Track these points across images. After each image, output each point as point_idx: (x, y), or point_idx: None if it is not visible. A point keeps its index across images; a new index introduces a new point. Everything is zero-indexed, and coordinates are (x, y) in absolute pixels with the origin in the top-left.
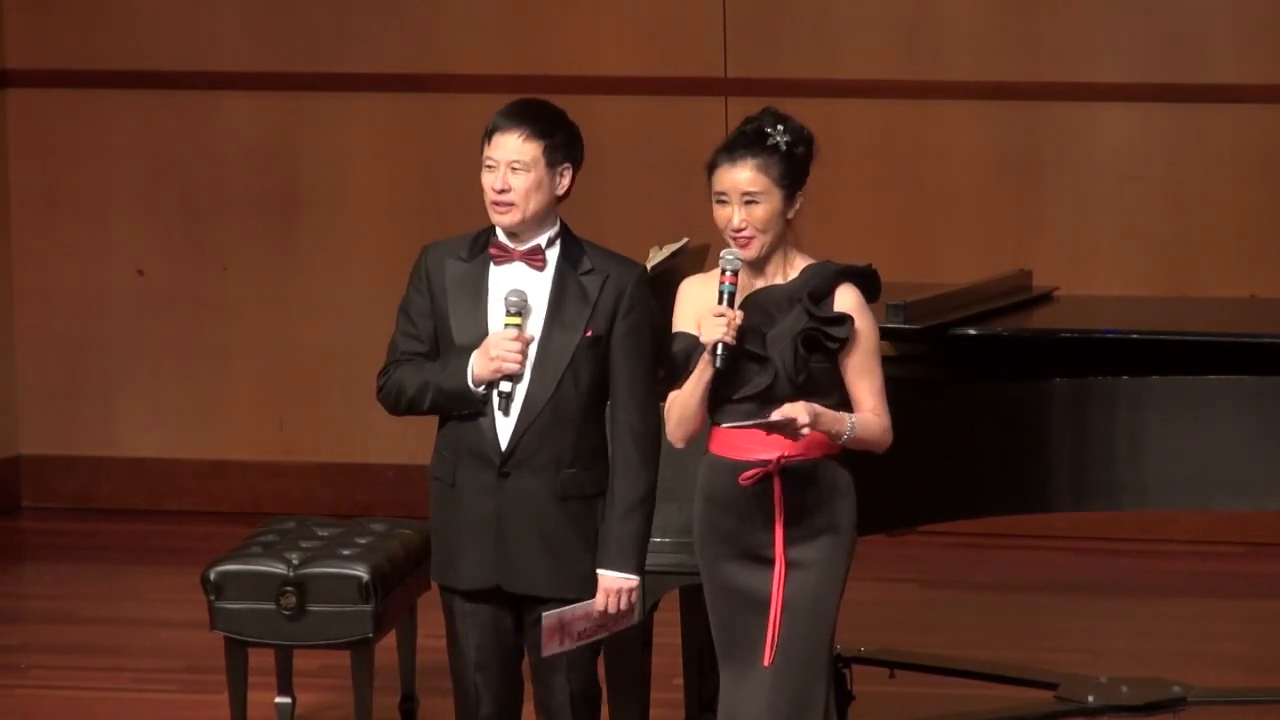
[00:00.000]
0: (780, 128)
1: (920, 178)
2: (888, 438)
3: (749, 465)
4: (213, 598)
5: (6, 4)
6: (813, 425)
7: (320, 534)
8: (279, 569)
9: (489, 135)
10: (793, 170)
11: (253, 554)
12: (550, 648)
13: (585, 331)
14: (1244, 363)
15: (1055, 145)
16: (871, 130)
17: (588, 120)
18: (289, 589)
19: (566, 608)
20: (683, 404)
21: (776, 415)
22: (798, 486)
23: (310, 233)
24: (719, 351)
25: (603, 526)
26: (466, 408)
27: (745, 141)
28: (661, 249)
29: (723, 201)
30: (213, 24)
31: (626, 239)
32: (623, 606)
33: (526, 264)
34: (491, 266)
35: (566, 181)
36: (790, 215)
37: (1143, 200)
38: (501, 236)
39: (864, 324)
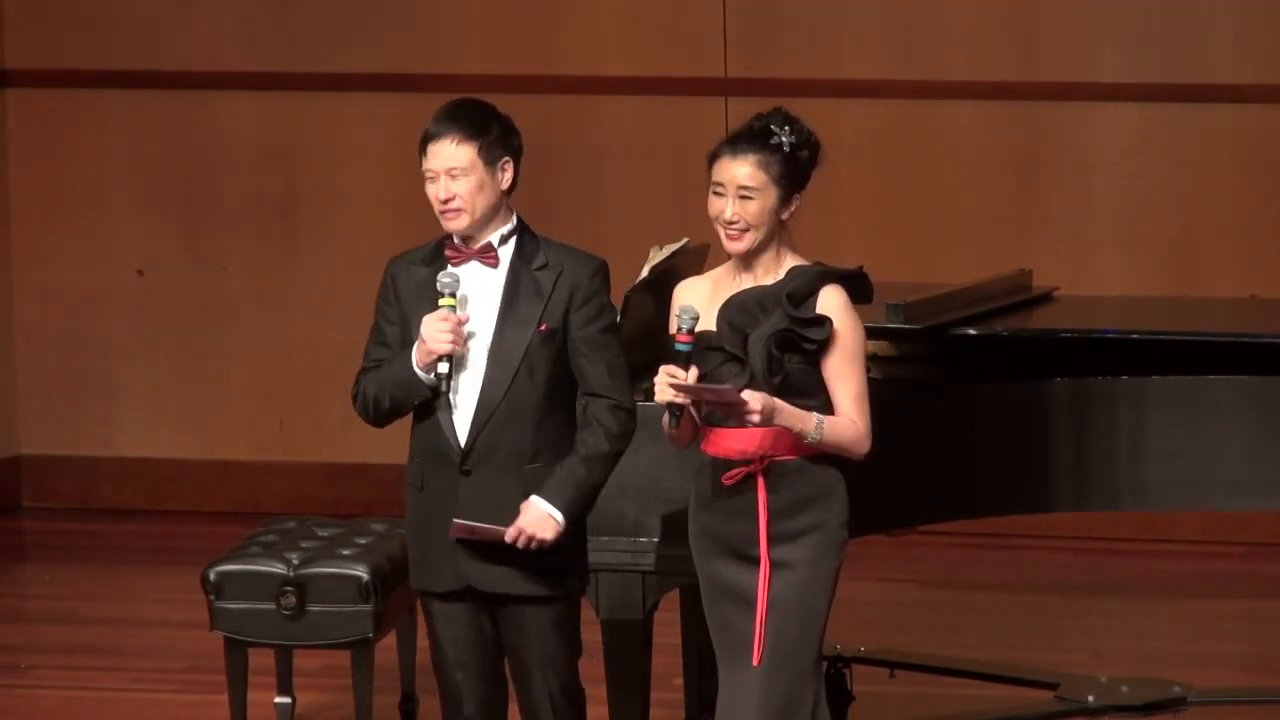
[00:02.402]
0: (787, 129)
1: (920, 178)
2: (863, 445)
3: (735, 464)
4: (213, 598)
5: (6, 4)
6: (767, 419)
7: (320, 534)
8: (279, 569)
9: (423, 146)
10: (792, 171)
11: (253, 554)
12: (456, 531)
13: (539, 326)
14: (1244, 363)
15: (1055, 145)
16: (871, 130)
17: (588, 120)
18: (289, 589)
19: (479, 524)
20: (665, 431)
21: (744, 395)
22: (783, 486)
23: (310, 233)
24: (672, 411)
25: (558, 466)
26: (417, 397)
27: (749, 136)
28: (661, 249)
29: (719, 193)
30: (213, 24)
31: (626, 239)
32: (533, 545)
33: (480, 262)
34: (448, 268)
35: (509, 174)
36: (784, 216)
37: (1143, 200)
38: (456, 238)
39: (844, 326)
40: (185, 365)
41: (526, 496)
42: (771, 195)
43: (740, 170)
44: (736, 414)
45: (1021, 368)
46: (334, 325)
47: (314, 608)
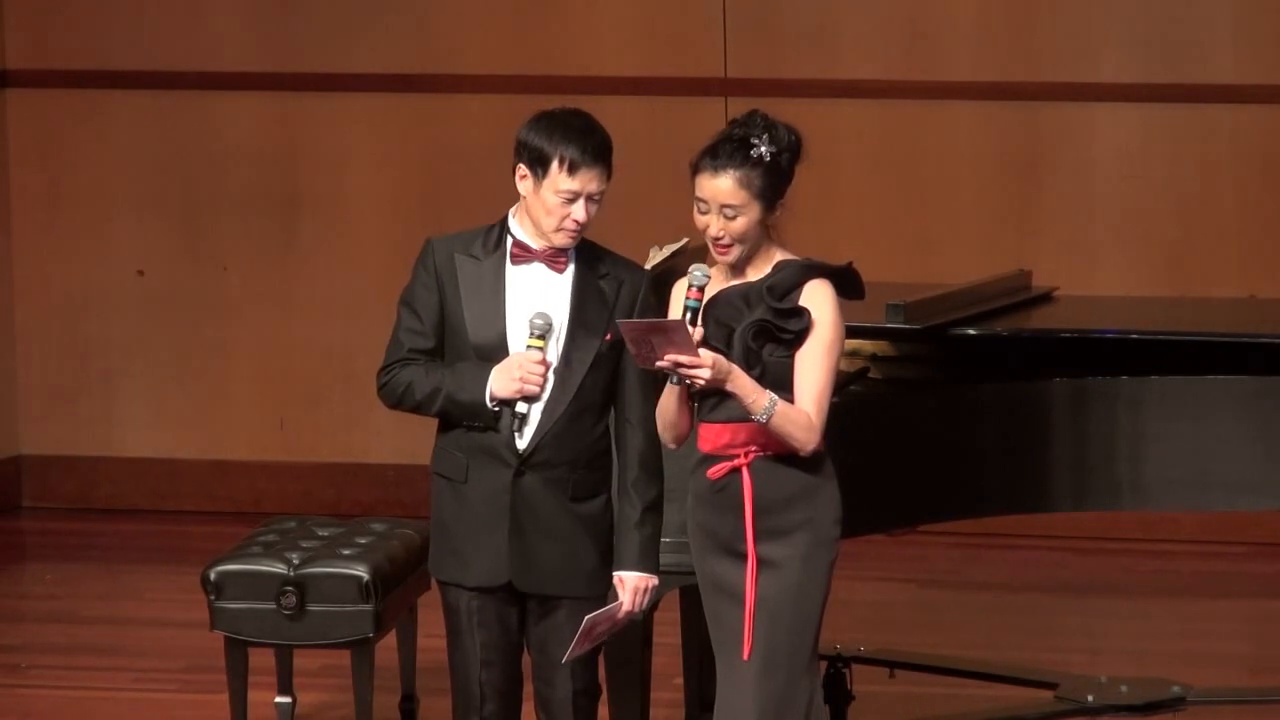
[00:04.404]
0: (766, 137)
1: (920, 178)
2: (811, 440)
3: (722, 458)
4: (213, 597)
5: (6, 4)
6: (717, 382)
7: (320, 534)
8: (279, 569)
9: (571, 168)
10: (775, 181)
11: (253, 554)
12: (577, 651)
13: (605, 335)
14: (1244, 363)
15: (1055, 145)
16: (871, 130)
17: None
18: (289, 589)
19: (600, 611)
20: (663, 409)
21: (704, 357)
22: (770, 483)
23: (310, 233)
24: (669, 378)
25: (620, 527)
26: (476, 421)
27: (729, 151)
28: (661, 249)
29: (702, 210)
30: (213, 24)
31: (626, 239)
32: (643, 605)
33: (547, 265)
34: (509, 265)
35: None
36: (770, 221)
37: (1143, 200)
38: (521, 236)
39: (824, 319)
40: (185, 365)
41: (573, 499)
42: (755, 210)
43: (722, 187)
44: (685, 367)
45: (1021, 368)
46: (334, 325)
47: (314, 608)
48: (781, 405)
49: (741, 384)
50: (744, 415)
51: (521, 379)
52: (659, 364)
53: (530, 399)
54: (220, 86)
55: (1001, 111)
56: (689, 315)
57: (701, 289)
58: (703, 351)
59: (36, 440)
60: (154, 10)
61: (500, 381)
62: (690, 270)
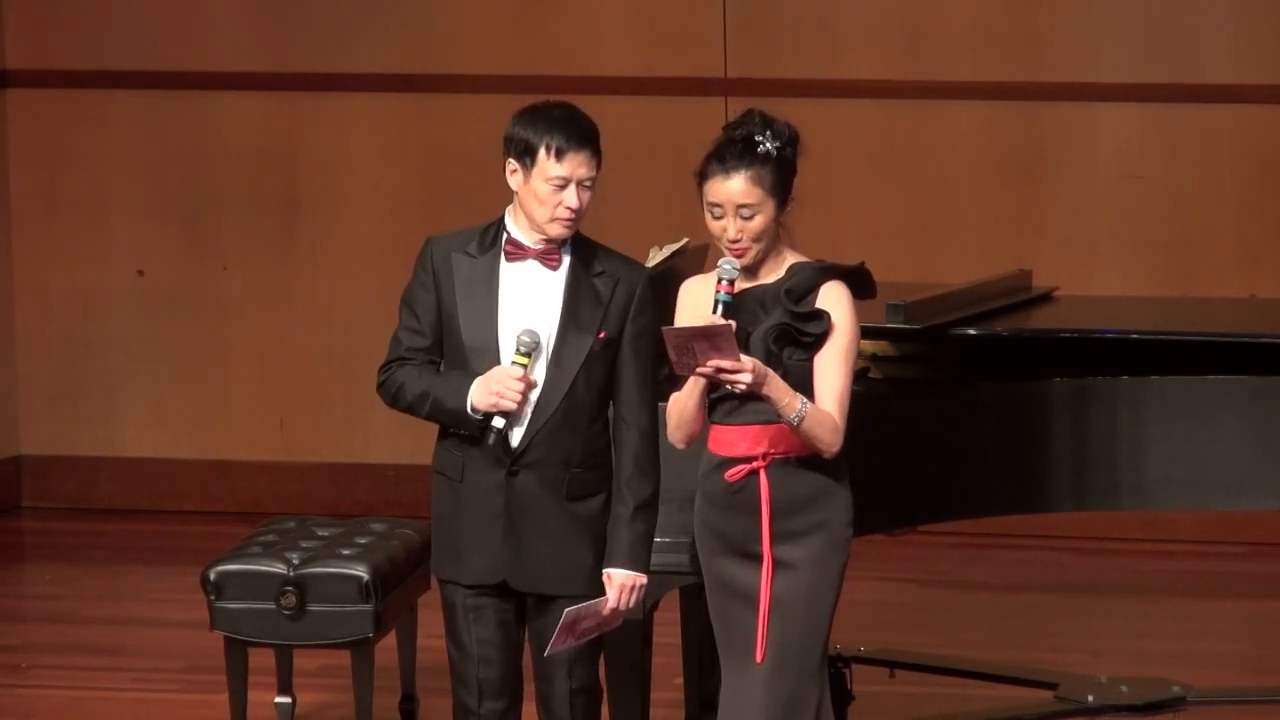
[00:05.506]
0: (769, 133)
1: (920, 178)
2: (836, 442)
3: (739, 461)
4: (213, 598)
5: (6, 4)
6: (756, 386)
7: (320, 534)
8: (279, 569)
9: (558, 154)
10: (784, 176)
11: (253, 554)
12: (558, 645)
13: (599, 334)
14: (1244, 363)
15: (1055, 145)
16: (871, 130)
17: None
18: (289, 589)
19: (583, 605)
20: (680, 407)
21: (745, 362)
22: (786, 484)
23: (310, 233)
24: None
25: (612, 525)
26: (461, 429)
27: (737, 151)
28: (661, 249)
29: (717, 214)
30: (213, 24)
31: (626, 239)
32: (631, 604)
33: (541, 263)
34: (503, 263)
35: None
36: (783, 219)
37: (1143, 200)
38: (516, 233)
39: (842, 321)
40: (185, 365)
41: (568, 499)
42: (770, 207)
43: (736, 188)
44: (727, 372)
45: (1021, 368)
46: (334, 325)
47: (314, 608)
48: (811, 408)
49: (776, 388)
50: (762, 419)
51: (498, 394)
52: (700, 370)
53: (508, 415)
54: (220, 86)
55: (1001, 111)
56: (720, 309)
57: (732, 282)
58: (745, 359)
59: (36, 440)
60: (154, 10)
61: (479, 394)
62: (719, 265)
